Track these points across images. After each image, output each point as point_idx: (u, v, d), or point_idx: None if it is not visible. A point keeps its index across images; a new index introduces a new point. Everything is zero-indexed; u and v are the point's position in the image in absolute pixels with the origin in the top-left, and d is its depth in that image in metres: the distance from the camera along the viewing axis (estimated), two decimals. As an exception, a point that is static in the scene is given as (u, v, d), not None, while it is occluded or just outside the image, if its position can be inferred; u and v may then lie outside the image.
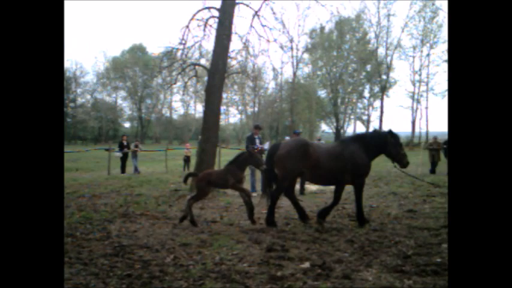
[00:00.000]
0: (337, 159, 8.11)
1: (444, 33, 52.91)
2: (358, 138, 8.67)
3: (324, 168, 8.04)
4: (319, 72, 61.23)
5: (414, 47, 56.33)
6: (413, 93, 56.71)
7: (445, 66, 56.14)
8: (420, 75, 56.57)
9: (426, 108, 59.02)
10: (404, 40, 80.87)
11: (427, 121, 58.92)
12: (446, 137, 20.84)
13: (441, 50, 55.85)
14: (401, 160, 8.41)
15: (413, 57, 56.65)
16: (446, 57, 51.03)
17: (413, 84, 56.80)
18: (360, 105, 61.45)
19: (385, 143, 8.34)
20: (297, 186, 12.20)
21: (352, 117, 61.42)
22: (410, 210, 9.45)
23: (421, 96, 56.97)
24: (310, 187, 13.87)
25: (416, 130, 56.51)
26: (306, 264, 5.50)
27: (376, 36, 58.10)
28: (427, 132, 55.05)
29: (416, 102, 56.65)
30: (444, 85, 53.84)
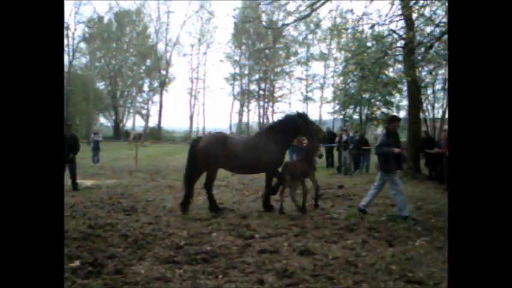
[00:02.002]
0: (253, 150, 8.64)
1: (220, 34, 56.04)
2: (270, 128, 9.27)
3: (240, 158, 8.65)
4: (97, 64, 58.86)
5: (192, 45, 58.28)
6: (191, 89, 58.65)
7: (221, 64, 58.69)
8: (198, 72, 58.79)
9: (203, 104, 61.76)
10: (183, 37, 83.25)
11: (203, 117, 62.35)
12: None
13: (219, 50, 58.85)
14: (317, 135, 8.95)
15: (192, 54, 58.57)
16: (221, 57, 54.06)
17: (191, 81, 58.74)
18: (139, 99, 61.03)
19: (294, 125, 8.82)
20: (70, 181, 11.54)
21: (131, 110, 60.59)
22: (185, 202, 9.74)
23: (199, 92, 59.25)
24: (86, 182, 13.25)
25: (194, 125, 58.60)
26: (76, 263, 5.23)
27: (156, 32, 58.44)
28: (203, 128, 57.52)
29: (194, 98, 58.71)
30: (221, 83, 56.84)
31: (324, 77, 53.35)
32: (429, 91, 39.44)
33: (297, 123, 8.89)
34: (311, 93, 55.18)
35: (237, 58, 55.84)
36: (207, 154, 8.71)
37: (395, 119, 8.90)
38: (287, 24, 20.06)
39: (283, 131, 8.96)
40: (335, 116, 45.12)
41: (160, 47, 59.45)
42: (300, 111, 9.34)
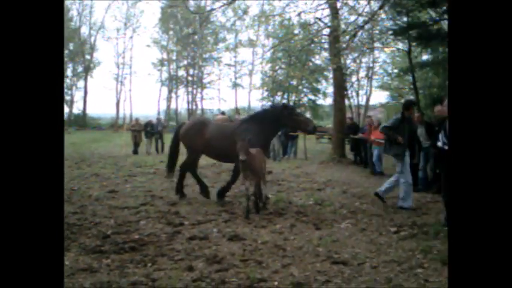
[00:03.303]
0: (228, 138, 8.19)
1: (146, 19, 54.79)
2: (252, 117, 8.81)
3: (215, 146, 8.43)
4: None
5: (118, 29, 56.46)
6: (118, 75, 56.95)
7: (148, 50, 57.41)
8: (124, 57, 57.12)
9: (130, 90, 60.20)
10: (108, 21, 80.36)
11: (130, 103, 60.72)
12: (147, 119, 21.69)
13: (146, 35, 57.48)
14: (305, 128, 8.48)
15: (118, 38, 56.76)
16: (148, 42, 52.86)
17: (118, 66, 57.00)
18: (62, 84, 58.43)
19: (278, 117, 8.28)
20: None
21: (53, 96, 57.89)
22: (112, 190, 9.49)
23: (125, 78, 57.64)
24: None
25: (121, 112, 57.07)
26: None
27: (79, 14, 55.98)
28: (131, 114, 56.15)
29: (120, 84, 57.07)
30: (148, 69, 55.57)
31: (252, 64, 53.61)
32: (354, 78, 40.84)
33: (282, 114, 8.33)
34: (240, 79, 55.32)
35: (164, 43, 54.74)
36: (186, 140, 8.81)
37: (411, 104, 8.58)
38: (213, 9, 19.93)
39: (264, 120, 8.42)
40: (264, 102, 45.55)
41: (84, 30, 57.12)
42: (286, 103, 9.19)
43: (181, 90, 56.62)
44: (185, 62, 54.56)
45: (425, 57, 27.00)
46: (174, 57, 54.97)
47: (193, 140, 8.67)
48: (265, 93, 44.98)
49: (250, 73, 54.14)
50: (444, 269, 4.73)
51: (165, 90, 56.36)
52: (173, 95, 56.39)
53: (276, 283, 4.36)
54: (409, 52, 25.71)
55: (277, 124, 8.63)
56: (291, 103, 42.51)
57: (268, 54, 40.81)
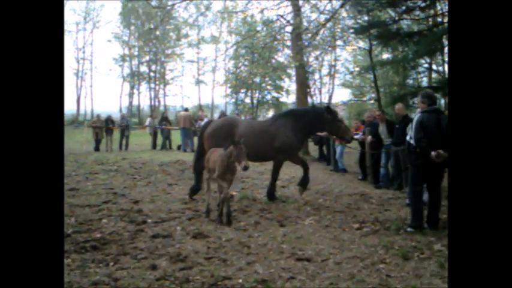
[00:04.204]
0: (262, 136, 7.84)
1: (107, 13, 53.78)
2: (289, 113, 8.36)
3: (251, 146, 7.18)
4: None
5: (77, 23, 55.14)
6: (78, 70, 55.60)
7: (110, 45, 56.33)
8: (84, 52, 55.83)
9: (91, 86, 58.99)
10: (67, 15, 78.39)
11: (91, 99, 59.49)
12: (107, 115, 21.29)
13: (107, 30, 56.30)
14: (343, 136, 8.26)
15: (77, 33, 55.41)
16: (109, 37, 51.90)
17: (78, 62, 55.66)
18: (19, 79, 56.69)
19: (320, 120, 7.92)
20: None
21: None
22: (73, 188, 9.26)
23: (85, 73, 56.34)
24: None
25: (82, 108, 55.74)
26: None
27: (37, 7, 54.38)
28: (92, 111, 54.96)
29: (80, 80, 55.75)
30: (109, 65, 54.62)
31: (215, 60, 53.36)
32: (316, 76, 41.23)
33: (324, 118, 7.96)
34: (203, 76, 54.98)
35: (125, 38, 53.79)
36: (212, 141, 7.91)
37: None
38: (175, 4, 19.72)
39: (302, 119, 8.06)
40: (227, 99, 45.46)
41: (42, 24, 55.51)
42: (328, 105, 8.71)
43: (144, 86, 55.79)
44: (147, 58, 53.76)
45: (385, 56, 27.58)
46: (135, 53, 54.07)
47: (221, 140, 7.70)
48: (229, 90, 44.89)
49: (214, 70, 53.90)
50: (405, 263, 4.85)
51: (127, 86, 55.42)
52: (135, 91, 55.55)
53: (240, 280, 4.36)
54: (370, 51, 26.15)
55: (317, 127, 8.37)
56: (255, 100, 42.66)
57: (231, 51, 40.78)
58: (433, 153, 5.88)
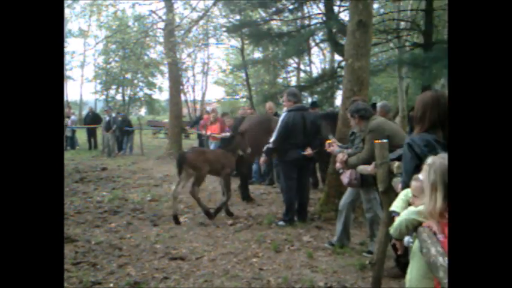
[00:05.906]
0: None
1: None
2: (326, 115, 8.12)
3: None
4: None
5: None
6: None
7: None
8: None
9: None
10: None
11: None
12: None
13: None
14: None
15: None
16: None
17: None
18: None
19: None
20: None
21: None
22: None
23: None
24: None
25: None
26: None
27: None
28: None
29: None
30: None
31: (84, 55, 50.76)
32: (190, 73, 41.10)
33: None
34: (70, 71, 51.93)
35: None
36: (250, 138, 7.31)
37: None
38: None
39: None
40: (97, 96, 43.42)
41: None
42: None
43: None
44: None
45: (257, 55, 28.39)
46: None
47: (258, 137, 7.39)
48: (99, 87, 42.92)
49: (82, 65, 51.22)
50: (277, 256, 5.04)
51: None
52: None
53: (111, 285, 4.20)
54: (242, 49, 26.75)
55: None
56: (126, 97, 41.38)
57: (101, 46, 39.03)
58: (304, 153, 6.22)
